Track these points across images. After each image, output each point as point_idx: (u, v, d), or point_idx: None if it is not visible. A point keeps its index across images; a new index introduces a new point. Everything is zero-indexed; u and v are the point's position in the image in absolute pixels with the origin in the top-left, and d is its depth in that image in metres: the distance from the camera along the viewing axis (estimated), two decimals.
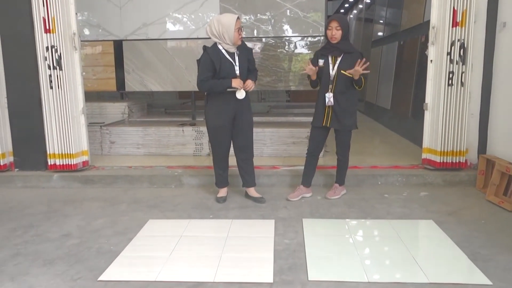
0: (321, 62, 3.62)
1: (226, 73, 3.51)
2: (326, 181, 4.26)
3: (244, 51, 3.61)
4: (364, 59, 3.42)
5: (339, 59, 3.58)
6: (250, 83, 3.56)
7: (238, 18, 3.47)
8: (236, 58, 3.55)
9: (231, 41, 3.47)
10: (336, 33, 3.52)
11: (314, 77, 3.66)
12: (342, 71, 3.55)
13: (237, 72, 3.54)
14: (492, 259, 2.65)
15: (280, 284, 2.40)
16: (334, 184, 3.95)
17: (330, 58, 3.61)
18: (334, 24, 3.50)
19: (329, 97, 3.60)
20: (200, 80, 3.51)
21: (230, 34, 3.44)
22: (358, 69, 3.41)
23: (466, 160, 4.27)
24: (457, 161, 4.23)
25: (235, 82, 3.49)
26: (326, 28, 3.57)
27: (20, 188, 4.46)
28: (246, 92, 3.58)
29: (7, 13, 4.35)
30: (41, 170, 4.57)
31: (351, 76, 3.52)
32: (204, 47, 3.56)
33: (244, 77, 3.58)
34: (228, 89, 3.51)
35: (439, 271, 2.50)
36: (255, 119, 5.71)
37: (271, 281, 2.43)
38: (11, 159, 4.65)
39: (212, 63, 3.47)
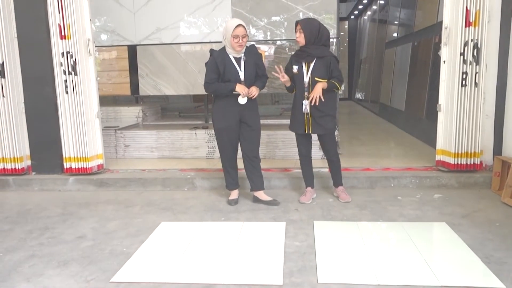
0: (295, 68, 3.63)
1: (230, 77, 3.56)
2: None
3: (252, 56, 3.64)
4: (315, 96, 3.46)
5: (312, 65, 3.58)
6: (254, 91, 3.59)
7: (239, 25, 3.47)
8: (242, 63, 3.59)
9: (229, 46, 3.53)
10: (299, 36, 3.55)
11: (288, 84, 3.69)
12: (315, 78, 3.56)
13: (242, 77, 3.58)
14: (506, 262, 2.60)
15: (289, 286, 2.40)
16: (339, 187, 3.91)
17: (304, 64, 3.61)
18: (297, 27, 3.56)
19: (305, 104, 3.60)
20: (205, 82, 3.61)
21: (227, 39, 3.51)
22: (318, 93, 3.47)
23: (481, 162, 4.21)
24: (472, 162, 4.17)
25: (239, 87, 3.53)
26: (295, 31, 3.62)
27: (37, 191, 4.56)
28: (251, 97, 3.61)
29: (24, 21, 4.48)
30: (57, 174, 4.66)
31: (325, 81, 3.54)
32: (211, 50, 3.63)
33: (250, 83, 3.62)
34: (234, 92, 3.55)
35: (451, 274, 2.47)
36: (268, 121, 5.79)
37: (281, 283, 2.43)
38: (29, 162, 4.76)
39: (216, 65, 3.53)
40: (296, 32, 3.58)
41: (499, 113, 4.17)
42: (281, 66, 3.70)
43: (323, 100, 3.52)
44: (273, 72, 3.74)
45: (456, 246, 2.86)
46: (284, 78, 3.64)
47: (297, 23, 3.57)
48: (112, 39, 5.83)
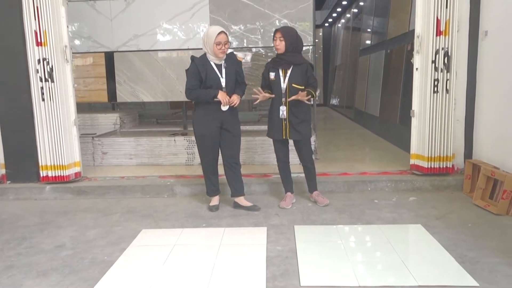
0: (272, 75, 3.71)
1: (212, 83, 3.60)
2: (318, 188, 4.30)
3: (232, 63, 3.69)
4: (304, 92, 3.56)
5: (289, 72, 3.67)
6: (235, 99, 3.64)
7: (222, 32, 3.53)
8: (223, 70, 3.64)
9: (211, 53, 3.57)
10: (279, 44, 3.62)
11: (266, 98, 3.72)
12: (293, 84, 3.65)
13: (223, 84, 3.62)
14: (479, 261, 2.72)
15: None
16: (314, 193, 3.99)
17: (280, 71, 3.70)
18: (277, 35, 3.63)
19: (283, 110, 3.68)
20: (187, 89, 3.62)
21: (210, 46, 3.54)
22: (300, 97, 3.56)
23: (453, 165, 4.36)
24: (444, 166, 4.32)
25: (221, 95, 3.57)
26: (273, 39, 3.69)
27: (12, 200, 4.45)
28: (233, 106, 3.67)
29: None
30: (34, 182, 4.57)
31: (302, 87, 3.65)
32: (192, 57, 3.66)
33: (231, 89, 3.67)
34: (215, 99, 3.58)
35: (427, 274, 2.56)
36: (246, 128, 5.83)
37: (264, 287, 2.47)
38: (3, 171, 4.65)
39: (198, 72, 3.56)
40: (275, 40, 3.65)
41: (469, 118, 4.33)
42: (259, 88, 3.74)
43: (305, 100, 3.59)
44: (253, 96, 3.77)
45: (432, 247, 2.97)
46: (265, 98, 3.70)
47: (276, 31, 3.64)
48: (89, 46, 5.78)
